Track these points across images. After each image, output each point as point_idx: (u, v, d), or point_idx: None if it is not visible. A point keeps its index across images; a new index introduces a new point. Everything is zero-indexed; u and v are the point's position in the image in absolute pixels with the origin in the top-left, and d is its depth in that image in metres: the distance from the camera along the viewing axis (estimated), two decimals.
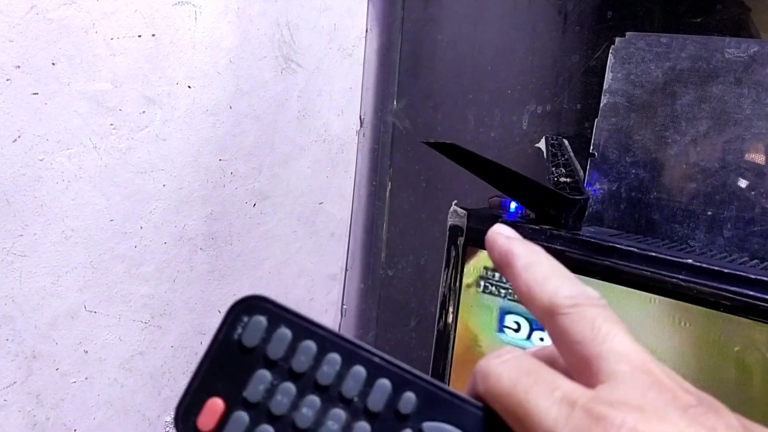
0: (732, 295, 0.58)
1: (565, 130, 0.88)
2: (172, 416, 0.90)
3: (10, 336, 0.68)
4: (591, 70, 0.85)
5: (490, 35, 0.96)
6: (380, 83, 1.06)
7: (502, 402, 0.22)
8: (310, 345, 0.24)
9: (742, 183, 0.72)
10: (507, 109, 0.94)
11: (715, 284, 0.59)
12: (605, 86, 0.81)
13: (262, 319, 0.24)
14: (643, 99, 0.79)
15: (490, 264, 0.73)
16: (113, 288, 0.76)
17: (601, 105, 0.82)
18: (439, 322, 0.78)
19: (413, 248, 1.05)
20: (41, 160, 0.67)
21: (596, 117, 0.82)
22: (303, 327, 0.24)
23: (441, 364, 0.78)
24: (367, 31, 1.04)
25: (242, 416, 0.23)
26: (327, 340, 0.24)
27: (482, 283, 0.74)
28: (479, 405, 0.23)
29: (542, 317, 0.24)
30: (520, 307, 0.70)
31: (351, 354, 0.24)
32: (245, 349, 0.24)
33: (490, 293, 0.73)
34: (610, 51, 0.81)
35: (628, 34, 0.80)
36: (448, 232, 0.76)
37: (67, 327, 0.73)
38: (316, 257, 1.05)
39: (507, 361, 0.22)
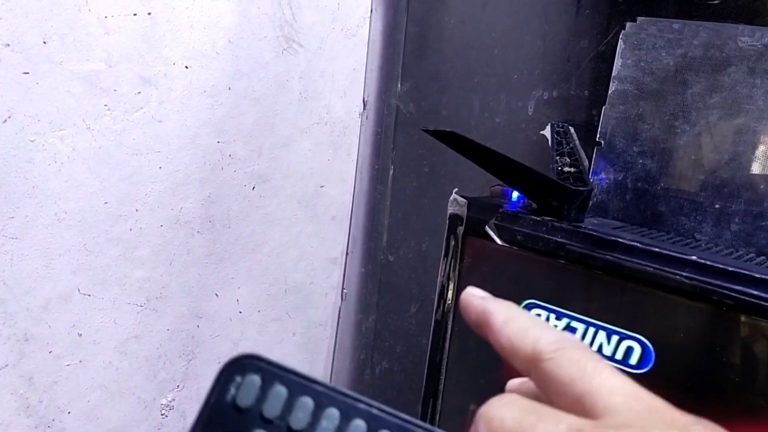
0: (736, 294, 0.56)
1: (572, 118, 0.85)
2: (168, 400, 0.87)
3: (1, 319, 0.67)
4: (600, 55, 0.83)
5: (498, 17, 0.93)
6: (384, 65, 1.03)
7: None
8: (307, 401, 0.24)
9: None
10: (513, 94, 0.91)
11: (719, 282, 0.57)
12: (614, 73, 0.79)
13: (256, 378, 0.24)
14: (653, 87, 0.77)
15: None
16: (108, 271, 0.76)
17: (610, 92, 0.79)
18: (437, 311, 0.76)
19: (415, 233, 1.04)
20: (33, 141, 0.65)
21: (604, 104, 0.80)
22: (298, 383, 0.24)
23: (438, 355, 0.77)
24: (371, 10, 1.01)
25: None
26: (323, 395, 0.24)
27: None
28: None
29: (527, 366, 0.24)
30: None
31: (350, 407, 0.24)
32: (240, 410, 0.24)
33: None
34: (620, 36, 0.78)
35: (639, 19, 0.77)
36: (447, 221, 0.75)
37: (61, 310, 0.72)
38: (317, 241, 1.03)
39: (508, 403, 0.23)
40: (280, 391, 0.24)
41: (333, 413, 0.23)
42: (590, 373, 0.22)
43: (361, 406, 0.24)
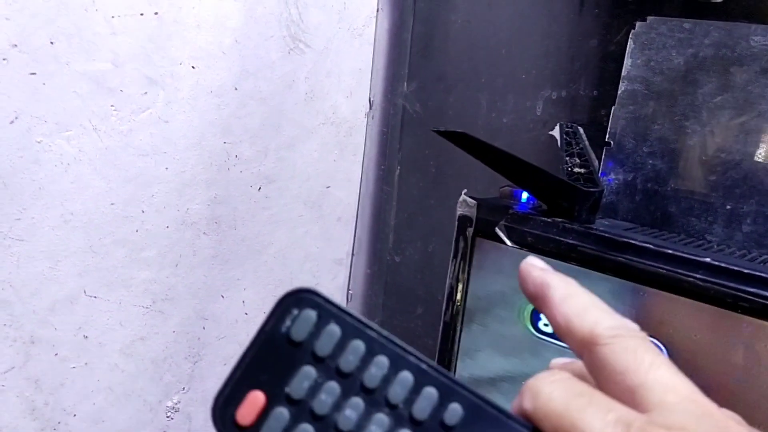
0: (751, 297, 0.56)
1: (581, 118, 0.85)
2: (172, 400, 0.86)
3: (7, 321, 0.67)
4: (609, 55, 0.82)
5: (505, 16, 0.92)
6: (391, 65, 1.03)
7: (553, 421, 0.21)
8: (359, 345, 0.24)
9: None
10: (521, 94, 0.91)
11: (733, 284, 0.57)
12: (624, 72, 0.78)
13: (312, 314, 0.24)
14: (663, 87, 0.76)
15: None
16: (114, 273, 0.75)
17: (619, 92, 0.79)
18: (445, 313, 0.76)
19: (421, 234, 1.03)
20: (39, 142, 0.65)
21: (613, 104, 0.79)
22: (353, 326, 0.24)
23: (446, 357, 0.76)
24: (378, 10, 1.01)
25: (283, 412, 0.22)
26: (376, 341, 0.24)
27: None
28: (527, 424, 0.22)
29: (581, 348, 0.23)
30: None
31: (399, 358, 0.23)
32: (293, 343, 0.24)
33: None
34: (630, 36, 0.77)
35: (649, 18, 0.76)
36: (456, 222, 0.74)
37: (67, 312, 0.71)
38: (322, 242, 1.03)
39: (558, 381, 0.22)
40: (334, 330, 0.24)
41: (383, 361, 0.23)
42: (647, 366, 0.22)
43: (411, 359, 0.23)
